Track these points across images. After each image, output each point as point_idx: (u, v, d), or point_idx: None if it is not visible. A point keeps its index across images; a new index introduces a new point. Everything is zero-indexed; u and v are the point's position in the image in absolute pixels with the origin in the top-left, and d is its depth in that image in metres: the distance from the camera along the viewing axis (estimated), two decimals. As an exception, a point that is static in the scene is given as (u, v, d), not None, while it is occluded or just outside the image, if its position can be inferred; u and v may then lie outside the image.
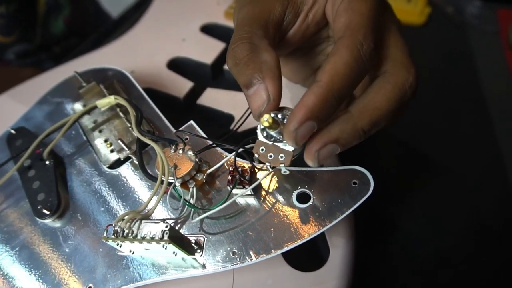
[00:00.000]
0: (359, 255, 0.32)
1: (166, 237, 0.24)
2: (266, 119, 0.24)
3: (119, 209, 0.31)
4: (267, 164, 0.27)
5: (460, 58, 0.58)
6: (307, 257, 0.32)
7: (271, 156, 0.26)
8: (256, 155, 0.27)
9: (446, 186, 0.43)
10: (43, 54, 0.69)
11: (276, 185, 0.29)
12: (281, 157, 0.26)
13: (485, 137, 0.48)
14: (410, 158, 0.46)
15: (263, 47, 0.27)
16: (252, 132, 0.29)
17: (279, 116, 0.26)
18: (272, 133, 0.26)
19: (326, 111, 0.25)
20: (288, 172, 0.28)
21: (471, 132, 0.49)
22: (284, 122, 0.26)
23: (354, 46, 0.25)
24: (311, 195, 0.28)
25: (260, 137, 0.27)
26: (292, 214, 0.28)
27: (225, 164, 0.31)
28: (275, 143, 0.26)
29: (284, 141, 0.26)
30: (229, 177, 0.28)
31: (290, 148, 0.26)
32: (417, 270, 0.38)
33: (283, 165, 0.26)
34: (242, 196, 0.29)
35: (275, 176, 0.30)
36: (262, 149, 0.27)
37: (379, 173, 0.30)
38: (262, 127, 0.27)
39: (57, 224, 0.32)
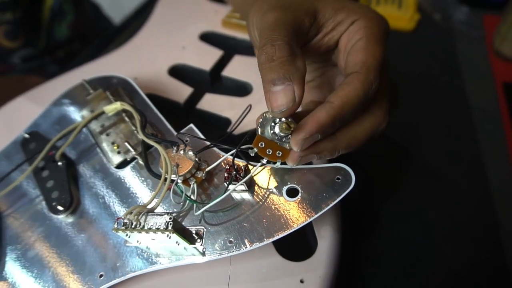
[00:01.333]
0: (345, 246, 0.35)
1: (170, 227, 0.27)
2: (290, 121, 0.29)
3: (126, 204, 0.34)
4: (265, 158, 0.30)
5: (447, 62, 0.60)
6: (298, 249, 0.34)
7: (269, 151, 0.30)
8: (255, 149, 0.30)
9: (428, 184, 0.46)
10: (47, 58, 0.70)
11: (268, 181, 0.32)
12: (279, 153, 0.30)
13: (467, 137, 0.50)
14: (396, 157, 0.49)
15: (299, 54, 0.30)
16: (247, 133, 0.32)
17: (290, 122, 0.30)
18: (277, 130, 0.29)
19: (331, 129, 0.29)
20: (280, 166, 0.32)
21: (455, 133, 0.51)
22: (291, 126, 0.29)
23: (366, 83, 0.29)
24: (300, 190, 0.31)
25: (260, 133, 0.30)
26: (282, 207, 0.31)
27: (222, 163, 0.34)
28: (274, 139, 0.30)
29: (284, 140, 0.30)
30: (226, 174, 0.31)
31: (287, 147, 0.30)
32: (397, 258, 0.40)
33: (279, 161, 0.30)
34: (238, 192, 0.32)
35: (267, 174, 0.33)
36: (262, 144, 0.30)
37: (364, 171, 0.33)
38: (269, 118, 0.30)
39: (70, 219, 0.35)
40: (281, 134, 0.29)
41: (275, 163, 0.31)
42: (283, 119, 0.29)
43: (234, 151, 0.32)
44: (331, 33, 0.33)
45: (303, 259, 0.33)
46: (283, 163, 0.31)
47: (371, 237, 0.42)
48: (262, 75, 0.29)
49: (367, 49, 0.31)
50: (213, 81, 0.50)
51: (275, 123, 0.29)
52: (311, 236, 0.35)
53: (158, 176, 0.33)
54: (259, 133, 0.30)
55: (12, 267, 0.34)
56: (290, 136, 0.29)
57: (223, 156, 0.34)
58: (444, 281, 0.39)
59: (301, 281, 0.32)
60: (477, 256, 0.40)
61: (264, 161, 0.31)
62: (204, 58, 0.50)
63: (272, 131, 0.30)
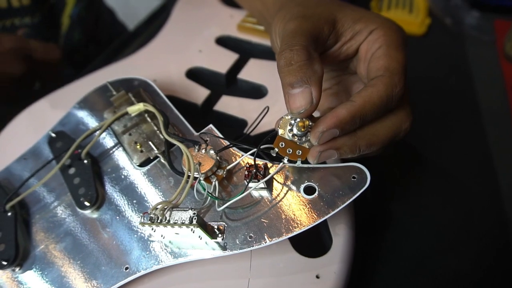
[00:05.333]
0: (359, 243, 0.36)
1: (194, 222, 0.29)
2: (306, 121, 0.30)
3: (149, 200, 0.36)
4: (285, 157, 0.32)
5: (457, 67, 0.60)
6: (313, 246, 0.35)
7: (289, 150, 0.31)
8: (276, 149, 0.31)
9: (439, 186, 0.47)
10: (65, 62, 0.72)
11: (286, 180, 0.34)
12: (299, 152, 0.31)
13: (478, 141, 0.51)
14: (407, 159, 0.50)
15: (316, 58, 0.31)
16: (264, 135, 0.34)
17: (309, 124, 0.31)
18: (296, 131, 0.31)
19: (350, 126, 0.30)
20: (300, 165, 0.33)
21: (465, 136, 0.52)
22: (309, 127, 0.31)
23: (389, 85, 0.30)
24: (316, 188, 0.32)
25: (281, 133, 0.31)
26: (300, 204, 0.32)
27: (241, 162, 0.35)
28: (294, 140, 0.31)
29: (303, 139, 0.31)
30: (246, 173, 0.33)
31: (307, 146, 0.31)
32: (406, 257, 0.41)
33: (299, 159, 0.31)
34: (257, 189, 0.33)
35: (285, 173, 0.34)
36: (282, 144, 0.31)
37: (378, 172, 0.34)
38: (289, 118, 0.31)
39: (95, 214, 0.37)
40: (299, 132, 0.31)
41: (295, 162, 0.32)
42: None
43: (255, 150, 0.33)
44: (350, 42, 0.35)
45: (318, 255, 0.34)
46: (304, 162, 0.32)
47: (381, 236, 0.43)
48: (281, 79, 0.31)
49: (389, 55, 0.32)
50: (229, 83, 0.52)
51: (293, 124, 0.31)
52: (326, 233, 0.36)
53: (181, 174, 0.35)
54: (279, 134, 0.31)
55: (42, 260, 0.36)
56: (308, 135, 0.31)
57: (242, 155, 0.35)
58: (453, 281, 0.39)
59: (317, 277, 0.33)
60: (487, 257, 0.41)
61: (285, 160, 0.32)
62: (220, 61, 0.52)
63: (291, 132, 0.31)
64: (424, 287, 0.39)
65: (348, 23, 0.34)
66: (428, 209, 0.45)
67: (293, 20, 0.33)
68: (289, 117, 0.31)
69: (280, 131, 0.32)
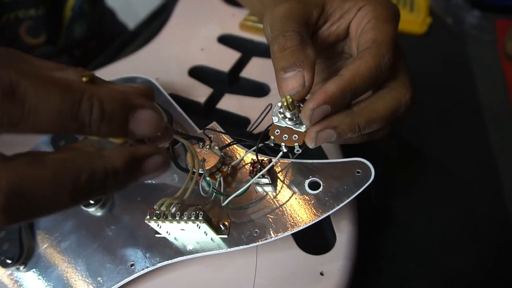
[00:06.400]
0: (362, 239, 0.36)
1: (200, 217, 0.29)
2: (288, 97, 0.29)
3: (154, 197, 0.36)
4: (283, 145, 0.31)
5: (458, 66, 0.61)
6: (317, 243, 0.35)
7: (285, 137, 0.30)
8: (272, 137, 0.31)
9: (441, 184, 0.47)
10: (65, 56, 0.71)
11: (290, 176, 0.34)
12: (295, 137, 0.30)
13: (480, 140, 0.51)
14: (409, 157, 0.50)
15: (309, 43, 0.31)
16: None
17: (296, 104, 0.30)
18: (288, 114, 0.30)
19: (341, 101, 0.29)
20: (300, 151, 0.31)
21: (467, 135, 0.52)
22: (300, 108, 0.30)
23: (377, 56, 0.30)
24: (321, 183, 0.32)
25: (275, 121, 0.31)
26: (305, 199, 0.32)
27: (244, 159, 0.35)
28: (288, 126, 0.30)
29: (297, 122, 0.30)
30: (251, 168, 0.33)
31: (302, 129, 0.30)
32: (407, 255, 0.41)
33: (297, 145, 0.30)
34: (262, 185, 0.33)
35: (289, 169, 0.34)
36: (277, 132, 0.31)
37: (380, 170, 0.34)
38: (279, 107, 0.31)
39: (99, 212, 0.37)
40: (289, 114, 0.30)
41: (293, 149, 0.31)
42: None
43: (256, 147, 0.33)
44: (339, 21, 0.34)
45: (322, 252, 0.34)
46: (305, 156, 0.32)
47: (383, 234, 0.43)
48: (274, 64, 0.31)
49: (378, 27, 0.31)
50: (231, 82, 0.52)
51: (283, 107, 0.30)
52: (329, 230, 0.36)
53: (185, 170, 0.35)
54: (274, 122, 0.31)
55: (46, 258, 0.36)
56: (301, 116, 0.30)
57: (245, 151, 0.35)
58: (454, 279, 0.40)
59: (321, 274, 0.33)
60: (488, 256, 0.41)
61: (284, 149, 0.31)
62: (223, 59, 0.52)
63: (285, 119, 0.30)
64: (425, 286, 0.40)
65: (337, 3, 0.34)
66: (430, 207, 0.45)
67: (282, 4, 0.33)
68: (280, 103, 0.31)
69: (275, 119, 0.31)
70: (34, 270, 0.35)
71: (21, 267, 0.36)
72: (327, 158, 0.39)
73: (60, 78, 0.20)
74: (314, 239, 0.35)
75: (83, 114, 0.19)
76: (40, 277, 0.35)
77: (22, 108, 0.18)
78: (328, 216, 0.32)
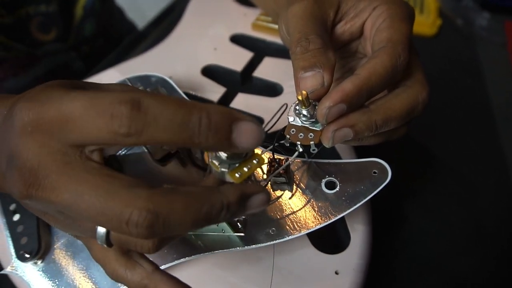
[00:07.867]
0: (376, 239, 0.37)
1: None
2: (305, 92, 0.29)
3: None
4: (298, 144, 0.31)
5: (468, 67, 0.61)
6: (332, 242, 0.36)
7: (301, 135, 0.30)
8: (288, 136, 0.31)
9: (452, 186, 0.47)
10: (72, 53, 0.71)
11: (307, 175, 0.34)
12: (310, 135, 0.30)
13: (490, 142, 0.51)
14: (420, 159, 0.50)
15: (330, 46, 0.31)
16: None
17: (313, 102, 0.30)
18: (304, 111, 0.30)
19: (357, 99, 0.29)
20: (316, 150, 0.31)
21: (478, 136, 0.52)
22: (316, 107, 0.30)
23: (393, 54, 0.30)
24: (337, 183, 0.33)
25: (291, 121, 0.31)
26: (322, 198, 0.33)
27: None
28: (304, 125, 0.30)
29: (313, 121, 0.30)
30: (268, 167, 0.33)
31: (318, 128, 0.30)
32: (416, 257, 0.41)
33: (313, 143, 0.30)
34: (279, 184, 0.34)
35: (306, 169, 0.34)
36: (293, 131, 0.31)
37: (392, 172, 0.35)
38: (295, 105, 0.31)
39: (116, 208, 0.37)
40: (305, 112, 0.30)
41: (309, 149, 0.31)
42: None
43: (272, 146, 0.33)
44: (353, 20, 0.35)
45: (337, 252, 0.35)
46: (322, 155, 0.32)
47: (394, 235, 0.43)
48: (294, 64, 0.31)
49: (393, 27, 0.32)
50: (244, 81, 0.52)
51: (299, 106, 0.30)
52: (344, 230, 0.36)
53: (202, 168, 0.35)
54: (290, 121, 0.31)
55: (62, 253, 0.36)
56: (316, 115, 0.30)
57: (262, 151, 0.36)
58: (466, 280, 0.40)
59: (336, 273, 0.33)
60: (500, 257, 0.41)
61: (300, 149, 0.31)
62: (235, 59, 0.52)
63: (301, 117, 0.30)
64: (437, 285, 0.40)
65: (352, 2, 0.34)
66: (441, 209, 0.45)
67: (298, 3, 0.33)
68: (297, 102, 0.31)
69: (290, 119, 0.31)
70: (51, 265, 0.36)
71: (39, 261, 0.36)
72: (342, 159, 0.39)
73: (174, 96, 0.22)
74: (328, 239, 0.36)
75: (193, 124, 0.21)
76: (57, 272, 0.35)
77: (146, 118, 0.21)
78: (343, 216, 0.33)
